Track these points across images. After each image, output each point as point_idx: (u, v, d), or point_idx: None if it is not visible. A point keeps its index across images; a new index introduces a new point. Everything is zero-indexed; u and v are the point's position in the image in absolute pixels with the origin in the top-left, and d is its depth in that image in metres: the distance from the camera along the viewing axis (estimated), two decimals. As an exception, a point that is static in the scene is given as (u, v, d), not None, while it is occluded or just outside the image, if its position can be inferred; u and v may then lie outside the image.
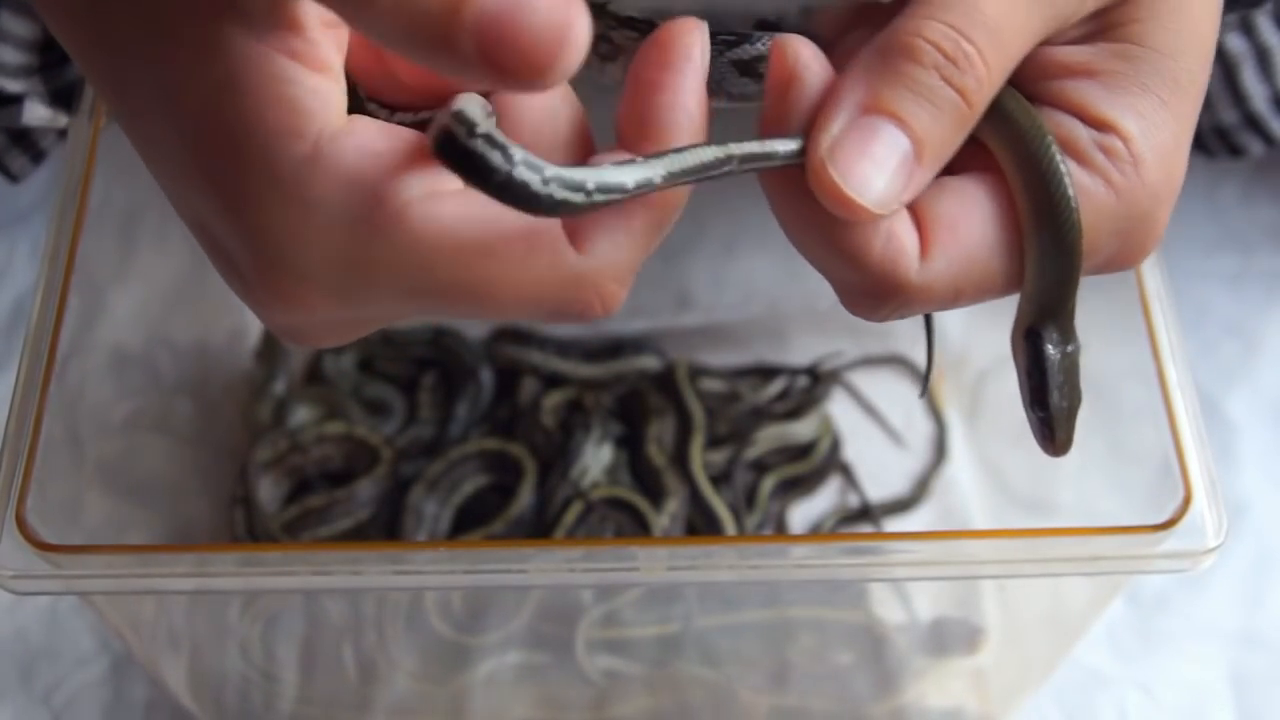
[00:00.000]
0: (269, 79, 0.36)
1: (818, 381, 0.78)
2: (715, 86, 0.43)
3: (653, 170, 0.38)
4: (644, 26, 0.44)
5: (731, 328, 0.79)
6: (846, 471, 0.76)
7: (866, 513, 0.74)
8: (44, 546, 0.49)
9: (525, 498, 0.71)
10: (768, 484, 0.74)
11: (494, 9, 0.32)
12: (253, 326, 0.77)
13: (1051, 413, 0.43)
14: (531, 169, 0.35)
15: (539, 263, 0.38)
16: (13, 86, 0.63)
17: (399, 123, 0.39)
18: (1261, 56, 0.73)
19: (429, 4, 0.32)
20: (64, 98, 0.65)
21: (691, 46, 0.39)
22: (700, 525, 0.71)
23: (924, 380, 0.58)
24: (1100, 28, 0.42)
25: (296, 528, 0.70)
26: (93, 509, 0.62)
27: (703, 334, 0.78)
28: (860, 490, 0.75)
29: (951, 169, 0.41)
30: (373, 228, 0.36)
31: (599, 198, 0.36)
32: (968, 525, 0.73)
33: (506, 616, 0.67)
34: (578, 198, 0.36)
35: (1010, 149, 0.41)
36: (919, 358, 0.79)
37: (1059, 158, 0.40)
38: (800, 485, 0.75)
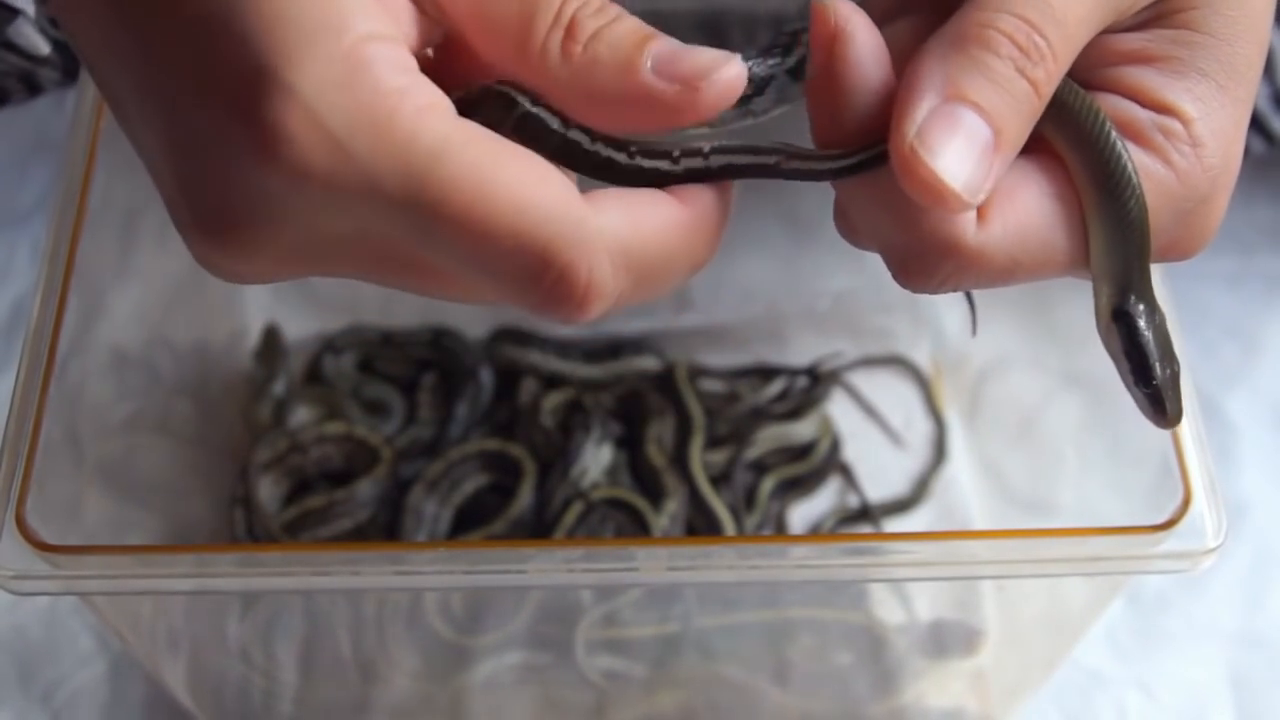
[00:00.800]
0: None
1: (817, 382, 0.78)
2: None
3: (703, 144, 0.39)
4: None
5: (731, 328, 0.79)
6: (846, 472, 0.76)
7: (866, 513, 0.74)
8: (43, 547, 0.49)
9: (525, 498, 0.71)
10: (767, 484, 0.74)
11: (668, 50, 0.38)
12: (253, 326, 0.77)
13: (1159, 386, 0.42)
14: (583, 132, 0.38)
15: (547, 193, 0.37)
16: None
17: (534, 113, 0.39)
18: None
19: (621, 44, 0.38)
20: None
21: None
22: (700, 526, 0.71)
23: (972, 318, 0.58)
24: (1157, 15, 0.42)
25: (296, 528, 0.70)
26: (92, 509, 0.62)
27: (702, 334, 0.78)
28: (860, 490, 0.75)
29: None
30: (401, 108, 0.36)
31: (642, 162, 0.39)
32: (967, 526, 0.73)
33: (506, 617, 0.67)
34: (621, 157, 0.39)
35: (1065, 130, 0.41)
36: (919, 358, 0.79)
37: (1115, 134, 0.40)
38: (800, 486, 0.75)
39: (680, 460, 0.72)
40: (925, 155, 0.38)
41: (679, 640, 0.67)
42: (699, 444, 0.73)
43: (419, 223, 0.36)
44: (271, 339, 0.76)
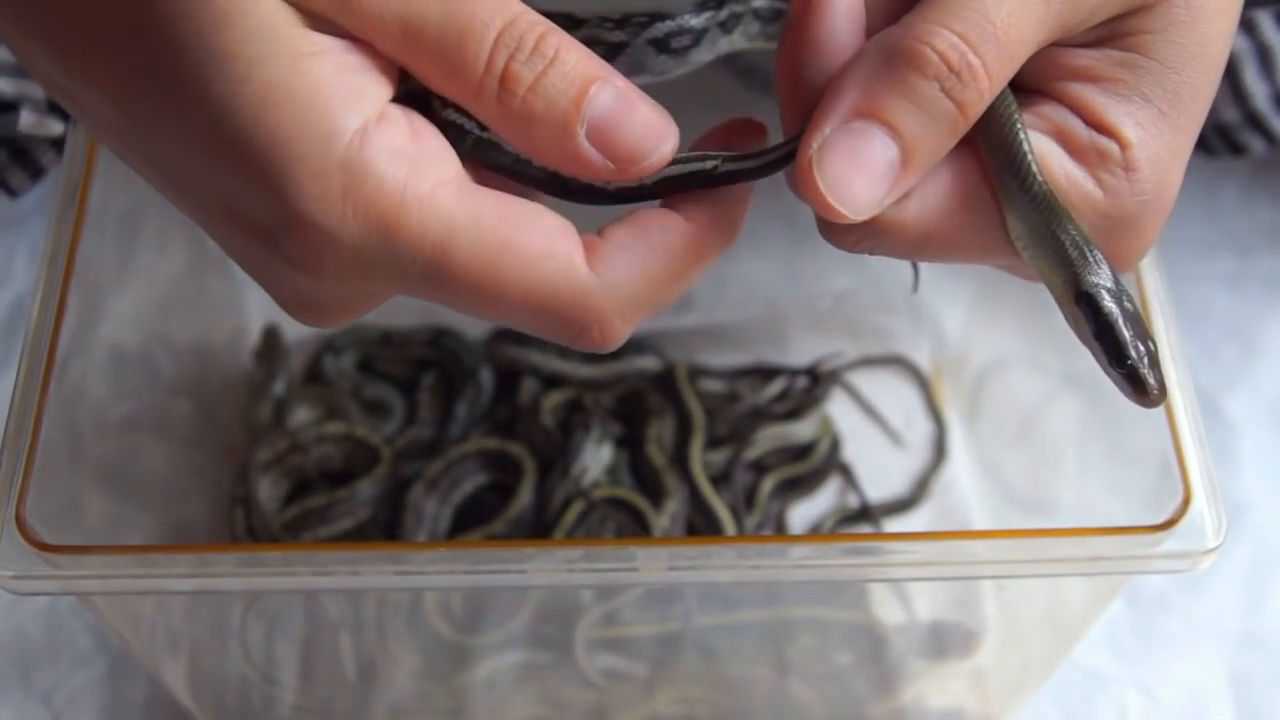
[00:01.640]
0: (305, 83, 0.38)
1: (817, 382, 0.78)
2: (637, 67, 0.47)
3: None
4: (636, 23, 0.47)
5: (731, 328, 0.79)
6: (846, 472, 0.76)
7: (866, 513, 0.74)
8: (43, 547, 0.49)
9: (525, 497, 0.71)
10: (767, 484, 0.74)
11: (605, 110, 0.38)
12: (253, 326, 0.77)
13: (1134, 363, 0.41)
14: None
15: (552, 267, 0.39)
16: (6, 88, 0.63)
17: (485, 137, 0.41)
18: (1263, 55, 0.73)
19: (559, 99, 0.38)
20: (57, 106, 0.65)
21: None
22: (700, 525, 0.71)
23: (914, 277, 0.59)
24: (1111, 34, 0.42)
25: (296, 528, 0.70)
26: (92, 509, 0.62)
27: (703, 334, 0.78)
28: (860, 490, 0.75)
29: None
30: (406, 203, 0.38)
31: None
32: (967, 525, 0.73)
33: (506, 616, 0.67)
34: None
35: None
36: (919, 358, 0.79)
37: (1017, 117, 0.41)
38: (800, 485, 0.75)
39: (680, 460, 0.72)
40: (818, 174, 0.39)
41: (679, 640, 0.67)
42: (699, 444, 0.73)
43: (442, 297, 0.40)
44: (271, 339, 0.76)
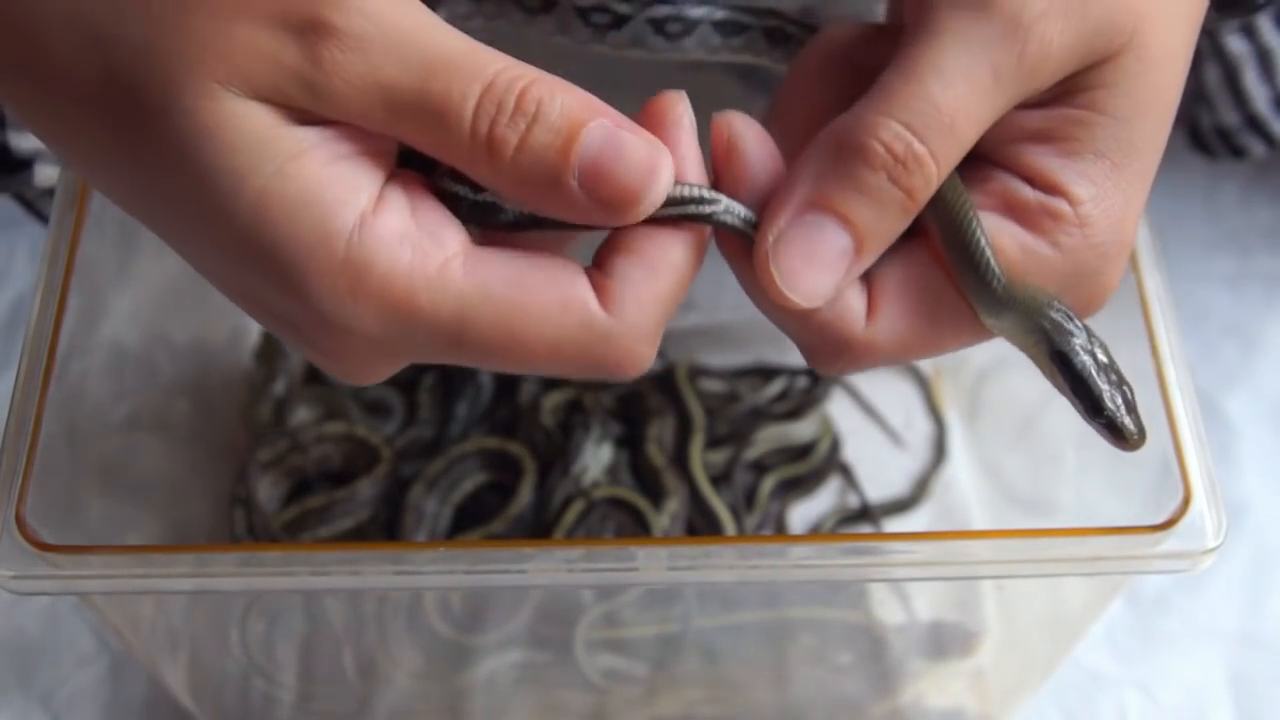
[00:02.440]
0: (295, 189, 0.38)
1: (817, 382, 0.78)
2: (636, 42, 0.49)
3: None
4: None
5: (731, 328, 0.78)
6: (846, 472, 0.76)
7: (866, 513, 0.74)
8: (43, 546, 0.49)
9: (525, 496, 0.71)
10: (767, 484, 0.74)
11: (594, 154, 0.38)
12: (253, 326, 0.77)
13: (1114, 413, 0.43)
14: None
15: (570, 320, 0.40)
16: (22, 144, 0.63)
17: (480, 200, 0.41)
18: (1263, 58, 0.73)
19: (547, 154, 0.39)
20: None
21: (680, 113, 0.42)
22: (700, 525, 0.71)
23: None
24: (1063, 92, 0.43)
25: (296, 528, 0.70)
26: (92, 509, 0.62)
27: (703, 334, 0.78)
28: (860, 490, 0.75)
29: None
30: (416, 288, 0.39)
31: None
32: (967, 525, 0.73)
33: (506, 616, 0.67)
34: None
35: (930, 209, 0.42)
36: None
37: (963, 197, 0.42)
38: (800, 485, 0.75)
39: (680, 460, 0.72)
40: (774, 266, 0.41)
41: (679, 640, 0.67)
42: (699, 444, 0.73)
43: (471, 363, 0.41)
44: (272, 339, 0.76)
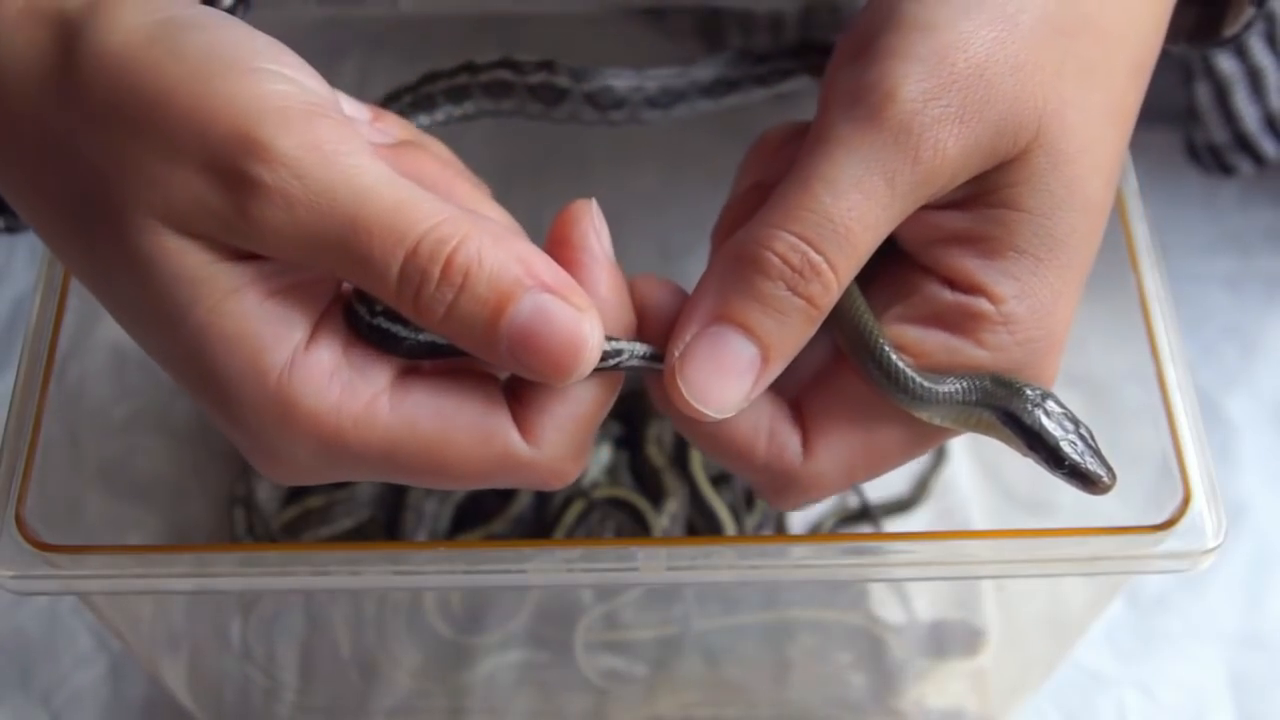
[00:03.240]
0: (231, 325, 0.40)
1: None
2: (571, 116, 0.52)
3: None
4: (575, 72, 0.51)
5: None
6: (846, 472, 0.76)
7: (866, 513, 0.74)
8: (43, 547, 0.49)
9: (525, 496, 0.71)
10: (767, 484, 0.74)
11: (522, 328, 0.39)
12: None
13: (1076, 462, 0.44)
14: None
15: (492, 453, 0.41)
16: None
17: (417, 339, 0.42)
18: (1253, 78, 0.73)
19: (474, 322, 0.39)
20: None
21: (585, 233, 0.43)
22: (700, 525, 0.71)
23: None
24: (979, 191, 0.43)
25: (296, 528, 0.70)
26: (92, 509, 0.62)
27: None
28: (859, 490, 0.75)
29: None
30: (343, 425, 0.40)
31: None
32: (967, 526, 0.73)
33: (506, 616, 0.67)
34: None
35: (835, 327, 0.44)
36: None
37: (868, 317, 0.43)
38: (800, 486, 0.75)
39: (680, 460, 0.72)
40: (680, 380, 0.41)
41: (679, 641, 0.67)
42: (699, 444, 0.73)
43: (406, 481, 0.43)
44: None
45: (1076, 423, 0.44)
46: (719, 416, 0.42)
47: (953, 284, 0.44)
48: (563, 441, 0.42)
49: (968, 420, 0.44)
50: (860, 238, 0.41)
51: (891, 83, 0.42)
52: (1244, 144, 0.75)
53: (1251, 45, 0.72)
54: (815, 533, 0.73)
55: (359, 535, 0.71)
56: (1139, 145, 0.51)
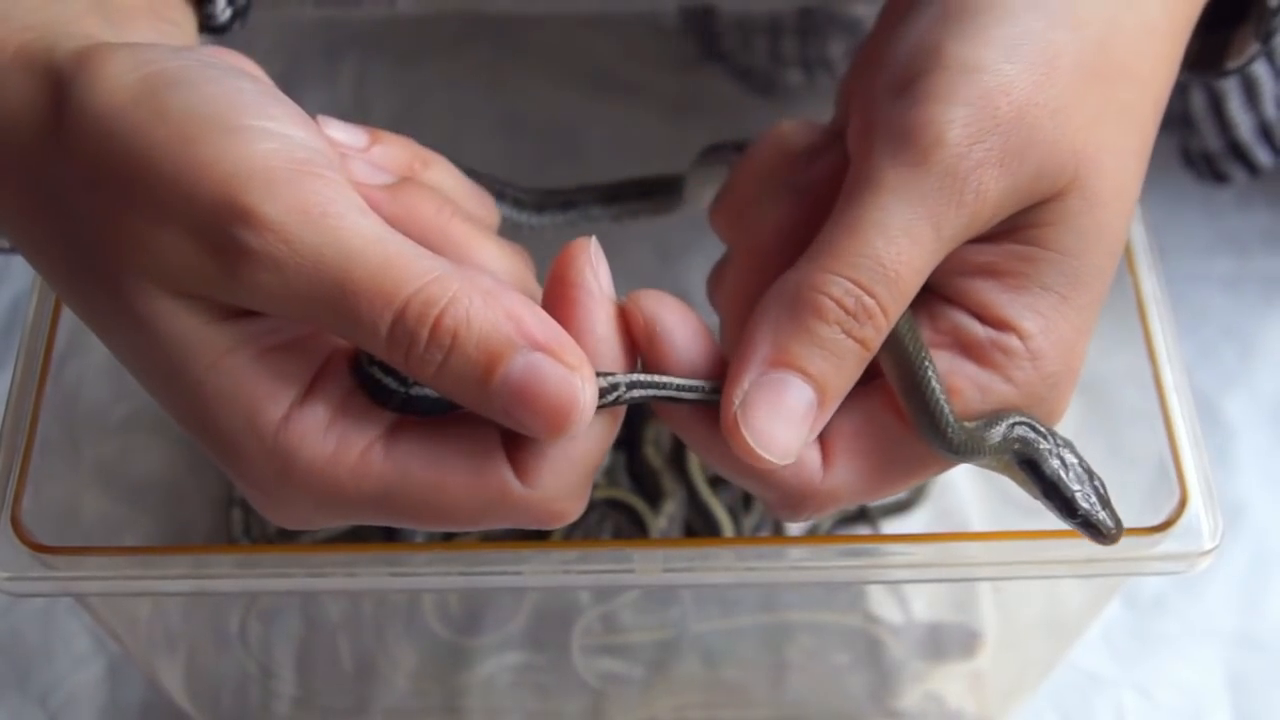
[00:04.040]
0: (227, 383, 0.40)
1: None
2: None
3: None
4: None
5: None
6: (844, 473, 0.76)
7: (864, 514, 0.74)
8: (39, 548, 0.49)
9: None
10: (765, 485, 0.74)
11: (514, 388, 0.39)
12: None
13: (1088, 513, 0.44)
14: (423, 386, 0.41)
15: (488, 495, 0.41)
16: None
17: (408, 394, 0.42)
18: (1247, 86, 0.73)
19: (466, 381, 0.39)
20: None
21: (582, 271, 0.42)
22: (698, 527, 0.71)
23: None
24: (1010, 228, 0.44)
25: (294, 529, 0.70)
26: (89, 510, 0.62)
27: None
28: (858, 492, 0.75)
29: None
30: (340, 476, 0.41)
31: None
32: (965, 527, 0.73)
33: (504, 618, 0.67)
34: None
35: (884, 354, 0.44)
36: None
37: (928, 365, 0.43)
38: (798, 487, 0.75)
39: (678, 461, 0.72)
40: (744, 428, 0.41)
41: (677, 642, 0.66)
42: (697, 445, 0.73)
43: (405, 525, 0.43)
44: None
45: (1091, 474, 0.45)
46: (781, 463, 0.42)
47: (980, 316, 0.44)
48: (559, 482, 0.42)
49: (993, 464, 0.45)
50: (908, 281, 0.42)
51: (939, 127, 0.42)
52: (1238, 152, 0.75)
53: None
54: (813, 534, 0.73)
55: (356, 537, 0.71)
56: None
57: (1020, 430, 0.44)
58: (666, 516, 0.70)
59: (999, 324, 0.44)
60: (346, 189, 0.40)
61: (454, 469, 0.41)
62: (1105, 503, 0.45)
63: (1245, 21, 0.51)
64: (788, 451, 0.42)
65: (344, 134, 0.48)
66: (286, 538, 0.69)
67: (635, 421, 0.74)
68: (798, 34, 0.78)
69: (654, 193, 0.58)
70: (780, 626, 0.67)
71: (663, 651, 0.67)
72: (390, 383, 0.41)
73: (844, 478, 0.44)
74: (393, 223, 0.41)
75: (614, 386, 0.42)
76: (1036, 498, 0.45)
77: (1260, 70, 0.73)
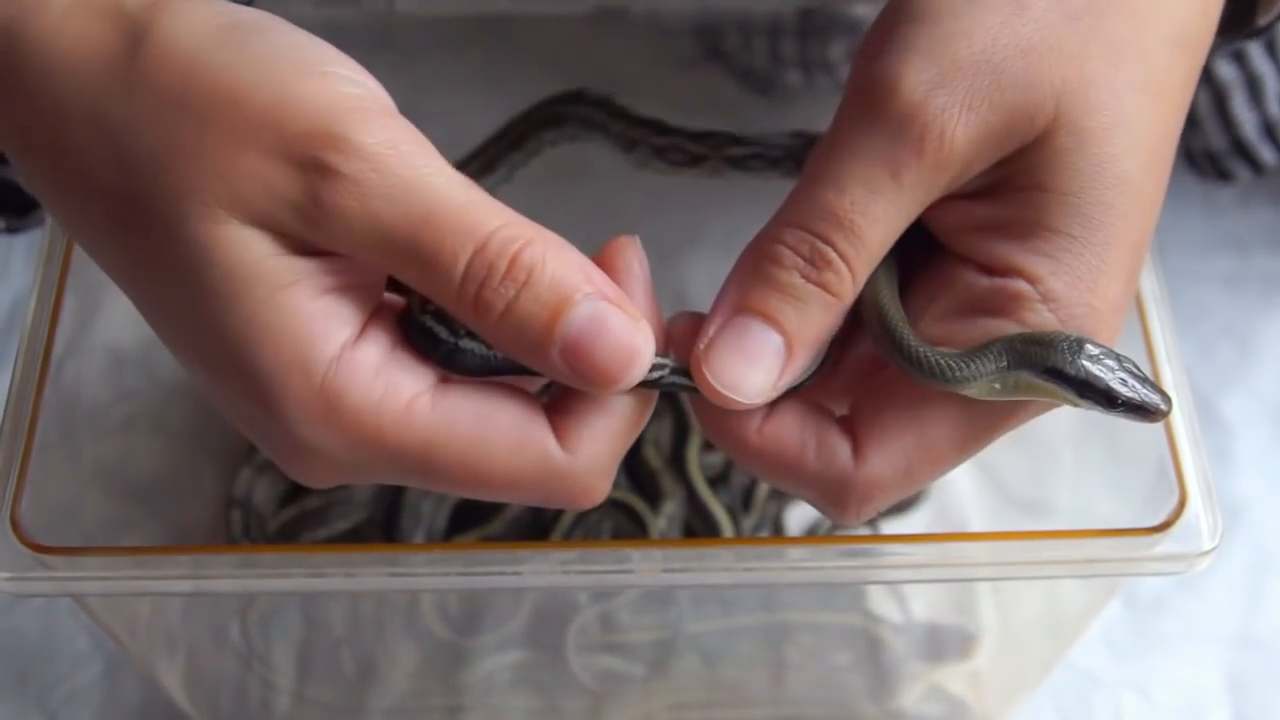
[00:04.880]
0: (281, 319, 0.40)
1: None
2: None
3: None
4: (717, 139, 0.52)
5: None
6: (843, 473, 0.76)
7: (863, 514, 0.74)
8: (39, 548, 0.49)
9: (523, 498, 0.71)
10: (765, 485, 0.74)
11: (577, 332, 0.40)
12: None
13: (1129, 398, 0.43)
14: (474, 340, 0.41)
15: (527, 458, 0.41)
16: None
17: (459, 345, 0.42)
18: (1252, 84, 0.73)
19: (531, 323, 0.40)
20: None
21: (630, 260, 0.43)
22: (698, 527, 0.71)
23: None
24: (1005, 175, 0.43)
25: (293, 529, 0.70)
26: (89, 510, 0.62)
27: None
28: (857, 492, 0.75)
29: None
30: (384, 423, 0.40)
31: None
32: (964, 527, 0.73)
33: (504, 619, 0.67)
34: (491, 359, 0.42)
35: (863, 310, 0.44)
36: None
37: (894, 309, 0.43)
38: (797, 487, 0.75)
39: (678, 461, 0.72)
40: (707, 370, 0.42)
41: (676, 642, 0.66)
42: (696, 445, 0.73)
43: (432, 488, 0.42)
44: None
45: (1119, 358, 0.43)
46: (748, 403, 0.42)
47: (989, 270, 0.43)
48: (599, 454, 0.42)
49: (1009, 386, 0.43)
50: (866, 230, 0.42)
51: (892, 76, 0.42)
52: (1242, 151, 0.75)
53: (1250, 52, 0.72)
54: (812, 534, 0.73)
55: (356, 537, 0.71)
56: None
57: (1020, 342, 0.43)
58: (666, 517, 0.70)
59: (1005, 272, 0.43)
60: (426, 140, 0.41)
61: (498, 428, 0.41)
62: (1144, 379, 0.43)
63: None
64: (752, 392, 0.42)
65: None
66: (286, 538, 0.69)
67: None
68: (798, 35, 0.78)
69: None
70: (779, 626, 0.67)
71: (662, 650, 0.67)
72: (441, 331, 0.41)
73: (881, 463, 0.44)
74: None
75: (661, 365, 0.42)
76: (1074, 404, 0.43)
77: (1265, 68, 0.73)
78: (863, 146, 0.42)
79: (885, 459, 0.44)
